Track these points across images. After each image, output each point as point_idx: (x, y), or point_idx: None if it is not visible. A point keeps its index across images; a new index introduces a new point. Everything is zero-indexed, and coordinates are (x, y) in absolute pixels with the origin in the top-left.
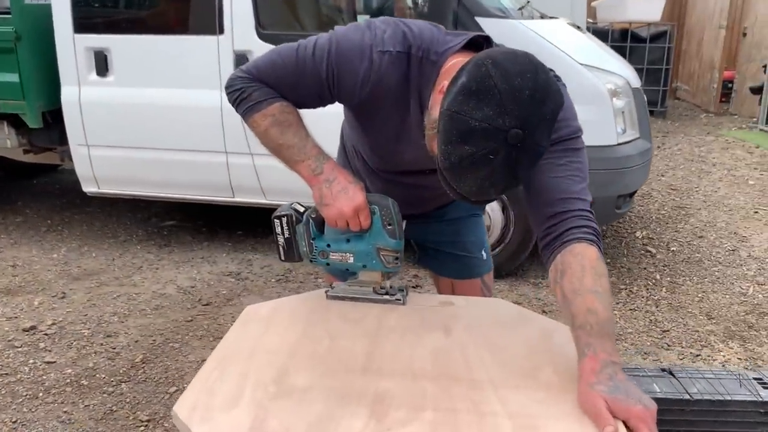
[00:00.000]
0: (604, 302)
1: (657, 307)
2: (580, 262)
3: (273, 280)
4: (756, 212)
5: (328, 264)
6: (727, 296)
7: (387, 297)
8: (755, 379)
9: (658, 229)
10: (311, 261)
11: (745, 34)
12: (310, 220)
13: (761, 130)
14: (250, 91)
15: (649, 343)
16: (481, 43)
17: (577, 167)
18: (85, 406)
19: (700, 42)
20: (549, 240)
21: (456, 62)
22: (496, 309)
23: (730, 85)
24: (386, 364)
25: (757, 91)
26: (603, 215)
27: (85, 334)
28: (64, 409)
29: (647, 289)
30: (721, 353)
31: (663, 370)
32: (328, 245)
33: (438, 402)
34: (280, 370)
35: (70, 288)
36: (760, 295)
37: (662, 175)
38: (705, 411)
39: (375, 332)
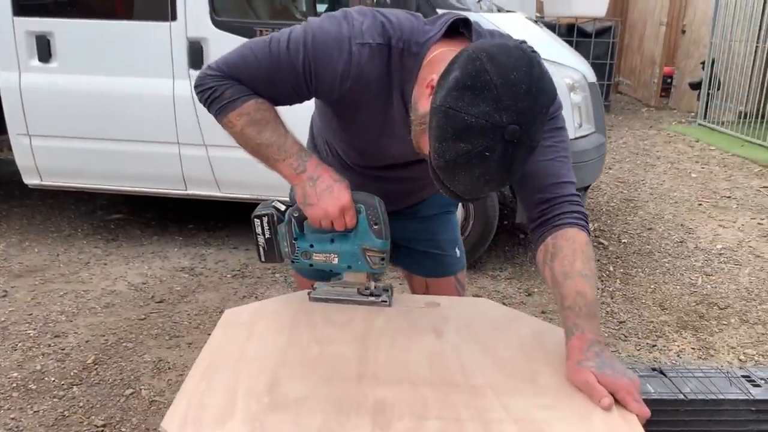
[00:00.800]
0: (592, 285)
1: (612, 298)
2: (572, 246)
3: (228, 275)
4: (700, 204)
5: (311, 265)
6: (678, 287)
7: (373, 299)
8: (743, 376)
9: (609, 222)
10: (293, 262)
11: (684, 31)
12: (293, 220)
13: (700, 124)
14: (222, 89)
15: (607, 334)
16: (457, 25)
17: (563, 147)
18: (35, 411)
19: (641, 38)
20: (539, 223)
21: (439, 53)
22: (484, 309)
23: (669, 80)
24: (381, 370)
25: (696, 86)
26: None
27: (31, 334)
28: (12, 416)
29: (602, 281)
30: (676, 343)
31: (654, 369)
32: (311, 246)
33: (441, 410)
34: (271, 379)
35: (12, 286)
36: (708, 286)
37: (610, 168)
38: (699, 411)
39: (364, 336)
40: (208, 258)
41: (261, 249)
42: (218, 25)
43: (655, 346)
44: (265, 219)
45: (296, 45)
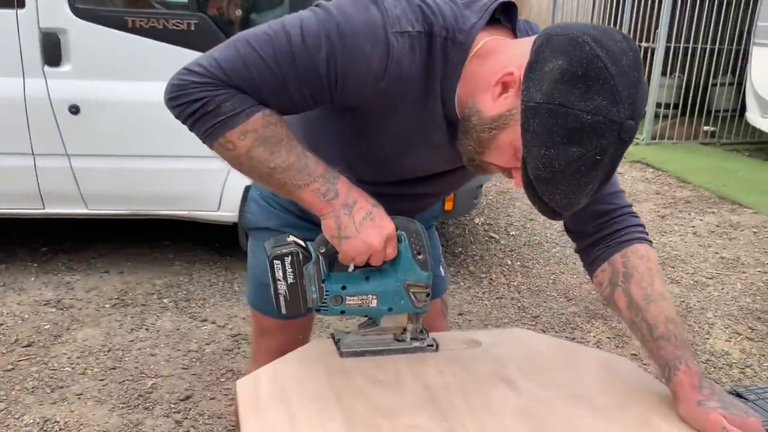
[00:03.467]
0: (674, 308)
1: (519, 293)
2: (646, 265)
3: (107, 305)
4: None
5: (342, 312)
6: (575, 276)
7: (417, 344)
8: None
9: (493, 215)
10: (318, 310)
11: None
12: (320, 257)
13: None
14: (217, 100)
15: None
16: (493, 11)
17: None
18: None
19: None
20: (599, 237)
21: (489, 41)
22: (529, 341)
23: None
24: None
25: None
26: (464, 206)
27: None
28: None
29: (504, 276)
30: (591, 333)
31: (729, 392)
32: (344, 287)
33: None
34: None
35: None
36: None
37: None
38: None
39: (429, 397)
40: (76, 287)
41: (282, 299)
42: (79, 13)
43: (573, 338)
44: (289, 259)
45: (315, 38)
